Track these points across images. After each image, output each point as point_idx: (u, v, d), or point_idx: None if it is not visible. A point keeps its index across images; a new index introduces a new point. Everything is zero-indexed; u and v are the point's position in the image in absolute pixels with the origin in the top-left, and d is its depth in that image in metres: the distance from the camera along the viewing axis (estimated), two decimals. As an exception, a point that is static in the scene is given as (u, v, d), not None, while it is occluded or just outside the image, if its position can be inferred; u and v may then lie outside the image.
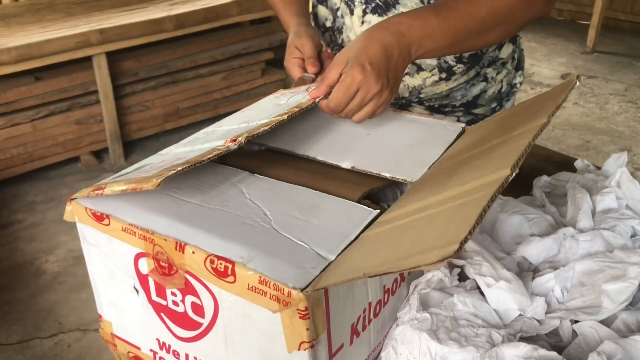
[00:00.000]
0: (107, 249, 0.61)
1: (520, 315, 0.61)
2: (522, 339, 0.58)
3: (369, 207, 0.61)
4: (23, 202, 2.67)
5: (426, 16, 0.78)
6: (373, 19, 0.96)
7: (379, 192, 0.70)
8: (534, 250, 0.68)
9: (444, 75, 0.99)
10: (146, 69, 2.93)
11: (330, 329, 0.52)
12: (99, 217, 0.60)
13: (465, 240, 0.41)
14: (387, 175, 0.68)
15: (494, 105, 1.06)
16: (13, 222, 2.54)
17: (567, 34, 4.87)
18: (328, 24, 1.04)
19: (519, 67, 1.09)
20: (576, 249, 0.66)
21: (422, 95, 1.02)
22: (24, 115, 2.65)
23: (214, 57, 3.07)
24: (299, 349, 0.51)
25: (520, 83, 1.10)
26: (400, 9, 0.93)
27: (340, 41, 1.02)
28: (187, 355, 0.61)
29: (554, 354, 0.52)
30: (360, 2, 0.96)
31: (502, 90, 1.06)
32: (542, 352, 0.53)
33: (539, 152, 1.06)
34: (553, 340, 0.61)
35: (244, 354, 0.56)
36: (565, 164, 0.97)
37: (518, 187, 0.80)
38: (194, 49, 3.06)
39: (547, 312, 0.61)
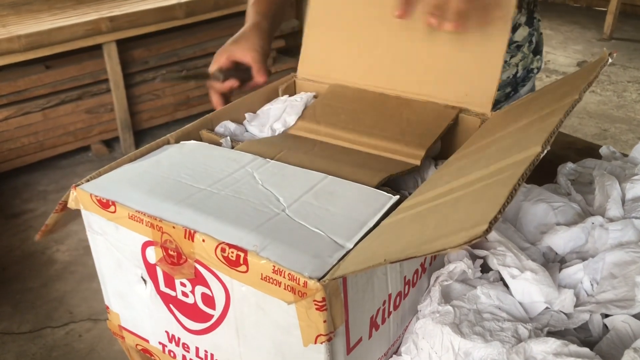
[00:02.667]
0: (114, 237, 0.59)
1: (547, 308, 0.58)
2: (550, 334, 0.55)
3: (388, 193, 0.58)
4: (35, 191, 2.66)
5: None
6: None
7: (399, 180, 0.67)
8: (561, 240, 0.65)
9: None
10: (157, 57, 2.91)
11: (349, 321, 0.49)
12: (105, 204, 0.57)
13: (495, 220, 0.37)
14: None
15: (508, 90, 1.02)
16: (25, 211, 2.54)
17: (583, 20, 4.78)
18: None
19: (537, 51, 1.04)
20: (606, 238, 0.63)
21: None
22: (34, 104, 2.64)
23: (225, 45, 3.05)
24: (315, 343, 0.48)
25: (539, 68, 1.05)
26: None
27: None
28: (197, 349, 0.59)
29: (586, 350, 0.49)
30: None
31: (518, 74, 1.01)
32: (573, 348, 0.49)
33: (561, 138, 1.02)
34: (582, 335, 0.57)
35: (257, 348, 0.53)
36: (588, 150, 0.93)
37: (541, 174, 0.77)
38: (205, 37, 3.02)
39: (575, 306, 0.58)
